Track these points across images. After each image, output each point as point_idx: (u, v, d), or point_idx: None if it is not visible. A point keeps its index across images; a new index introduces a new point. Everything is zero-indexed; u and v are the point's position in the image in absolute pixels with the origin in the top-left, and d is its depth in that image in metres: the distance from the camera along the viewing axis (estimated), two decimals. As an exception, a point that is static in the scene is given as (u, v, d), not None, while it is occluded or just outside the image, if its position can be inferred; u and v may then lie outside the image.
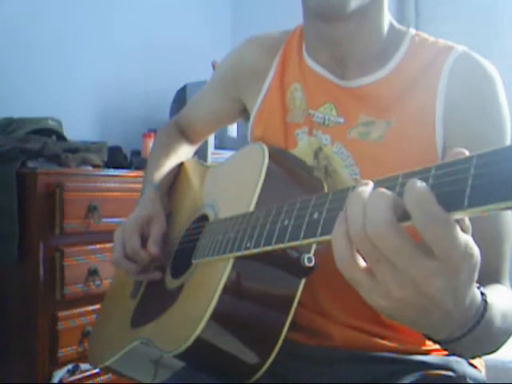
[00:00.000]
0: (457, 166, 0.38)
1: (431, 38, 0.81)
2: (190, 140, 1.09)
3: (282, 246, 0.55)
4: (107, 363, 0.83)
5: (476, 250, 0.41)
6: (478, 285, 0.48)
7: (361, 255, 0.43)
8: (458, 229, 0.39)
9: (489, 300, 0.50)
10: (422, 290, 0.41)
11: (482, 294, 0.49)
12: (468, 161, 0.37)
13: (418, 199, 0.38)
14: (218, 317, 0.63)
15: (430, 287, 0.41)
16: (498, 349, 0.62)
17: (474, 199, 0.36)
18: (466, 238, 0.40)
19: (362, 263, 0.43)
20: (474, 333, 0.49)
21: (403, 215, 0.40)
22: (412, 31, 0.82)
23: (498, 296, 0.57)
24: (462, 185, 0.37)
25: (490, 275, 0.65)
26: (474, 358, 0.76)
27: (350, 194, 0.43)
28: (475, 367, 0.81)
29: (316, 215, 0.50)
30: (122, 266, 0.84)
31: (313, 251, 0.65)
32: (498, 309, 0.54)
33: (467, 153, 0.39)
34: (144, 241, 0.84)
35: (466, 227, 0.42)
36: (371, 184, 0.43)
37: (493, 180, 0.35)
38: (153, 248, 0.82)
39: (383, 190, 0.41)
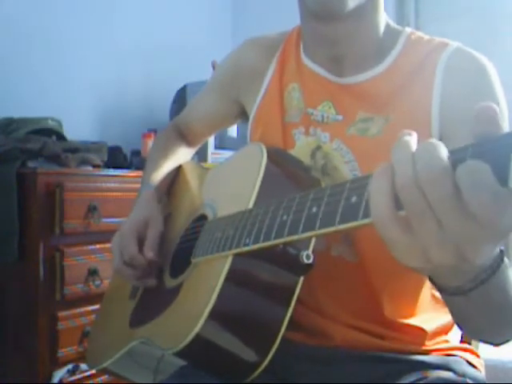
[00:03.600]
0: (453, 156, 0.38)
1: (427, 37, 0.82)
2: (189, 142, 1.09)
3: (281, 240, 0.55)
4: (105, 365, 0.83)
5: None
6: None
7: (402, 207, 0.40)
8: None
9: (506, 259, 0.49)
10: (464, 254, 0.38)
11: (501, 250, 0.48)
12: (464, 150, 0.37)
13: (471, 170, 0.36)
14: (217, 314, 0.63)
15: (475, 253, 0.38)
16: (508, 335, 0.62)
17: None
18: None
19: (401, 220, 0.40)
20: (485, 287, 0.47)
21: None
22: (408, 30, 0.83)
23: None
24: None
25: None
26: (483, 336, 0.68)
27: (396, 143, 0.40)
28: (475, 367, 0.81)
29: (315, 209, 0.50)
30: (122, 273, 0.84)
31: (311, 248, 0.65)
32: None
33: (496, 109, 0.37)
34: (142, 245, 0.84)
35: None
36: (415, 134, 0.41)
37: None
38: (148, 253, 0.82)
39: (434, 140, 0.39)
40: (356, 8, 0.73)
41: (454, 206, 0.37)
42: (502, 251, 0.48)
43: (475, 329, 0.63)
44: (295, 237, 0.52)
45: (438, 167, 0.37)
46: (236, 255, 0.64)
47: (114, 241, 0.86)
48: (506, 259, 0.49)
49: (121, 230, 0.86)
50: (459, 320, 0.61)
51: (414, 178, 0.38)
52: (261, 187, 0.69)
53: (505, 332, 0.62)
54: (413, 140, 0.40)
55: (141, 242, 0.84)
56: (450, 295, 0.50)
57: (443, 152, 0.37)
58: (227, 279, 0.64)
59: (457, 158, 0.38)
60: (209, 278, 0.67)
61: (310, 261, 0.64)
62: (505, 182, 0.34)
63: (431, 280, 0.50)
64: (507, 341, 0.63)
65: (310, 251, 0.64)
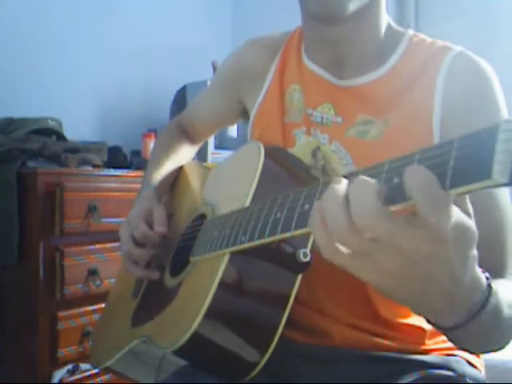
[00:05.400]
0: (439, 150, 0.39)
1: (429, 39, 0.82)
2: (192, 140, 1.10)
3: (275, 237, 0.55)
4: (107, 364, 0.83)
5: (470, 224, 0.41)
6: (482, 269, 0.47)
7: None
8: (452, 205, 0.39)
9: (494, 286, 0.49)
10: (409, 257, 0.41)
11: (487, 278, 0.49)
12: (450, 144, 0.38)
13: (422, 182, 0.38)
14: (214, 312, 0.63)
15: (416, 253, 0.41)
16: (506, 344, 0.62)
17: (456, 180, 0.37)
18: (456, 212, 0.40)
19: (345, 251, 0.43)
20: (479, 319, 0.48)
21: (390, 199, 0.40)
22: (410, 32, 0.82)
23: (505, 287, 0.56)
24: (444, 167, 0.38)
25: (494, 270, 0.64)
26: (483, 352, 0.74)
27: (325, 191, 0.43)
28: (475, 367, 0.81)
29: (307, 206, 0.50)
30: (133, 255, 0.84)
31: (309, 246, 0.65)
32: (506, 299, 0.54)
33: None
34: (150, 229, 0.84)
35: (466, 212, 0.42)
36: (345, 181, 0.43)
37: (474, 160, 0.36)
38: (159, 228, 0.83)
39: (363, 177, 0.41)
40: (357, 10, 0.73)
41: (393, 232, 0.39)
42: (489, 285, 0.49)
43: (474, 349, 0.65)
44: (288, 234, 0.53)
45: (372, 212, 0.39)
46: (233, 253, 0.64)
47: (121, 230, 0.87)
48: (494, 289, 0.49)
49: (127, 220, 0.87)
50: (460, 346, 0.62)
51: (348, 227, 0.40)
52: (258, 185, 0.69)
53: (502, 343, 0.62)
54: (342, 185, 0.42)
55: (149, 226, 0.84)
56: (448, 331, 0.51)
57: (373, 191, 0.40)
58: (224, 277, 0.64)
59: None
60: (206, 277, 0.67)
61: (307, 259, 0.64)
62: (489, 174, 0.35)
63: (428, 321, 0.51)
64: (506, 346, 0.63)
65: (307, 249, 0.64)
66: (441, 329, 0.51)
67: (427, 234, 0.40)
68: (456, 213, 0.39)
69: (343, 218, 0.41)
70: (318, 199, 0.49)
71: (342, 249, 0.43)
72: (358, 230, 0.40)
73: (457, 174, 0.37)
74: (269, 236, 0.56)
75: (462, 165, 0.37)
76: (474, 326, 0.49)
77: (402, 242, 0.40)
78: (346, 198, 0.41)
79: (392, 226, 0.39)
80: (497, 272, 0.68)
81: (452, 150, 0.38)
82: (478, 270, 0.46)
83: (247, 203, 0.68)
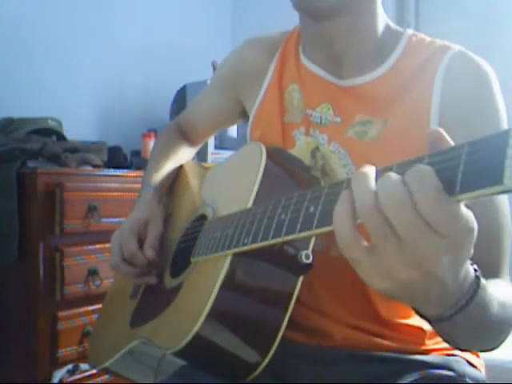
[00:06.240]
0: (449, 154, 0.38)
1: (428, 39, 0.82)
2: (191, 141, 1.10)
3: (278, 239, 0.55)
4: (106, 364, 0.83)
5: (475, 224, 0.40)
6: (470, 261, 0.47)
7: (363, 232, 0.42)
8: (459, 204, 0.39)
9: (483, 281, 0.49)
10: (427, 267, 0.41)
11: (476, 270, 0.49)
12: (460, 148, 0.38)
13: (420, 176, 0.38)
14: (216, 313, 0.63)
15: (436, 264, 0.40)
16: (499, 343, 0.62)
17: (466, 185, 0.37)
18: (466, 213, 0.39)
19: (364, 242, 0.43)
20: (466, 312, 0.48)
21: None
22: (409, 31, 0.82)
23: (497, 286, 0.56)
24: (453, 171, 0.37)
25: (489, 270, 0.64)
26: (475, 350, 0.74)
27: (355, 173, 0.43)
28: (475, 367, 0.81)
29: (312, 209, 0.50)
30: (119, 269, 0.84)
31: (311, 248, 0.65)
32: (496, 296, 0.54)
33: (445, 134, 0.41)
34: (141, 244, 0.85)
35: None
36: (374, 167, 0.43)
37: (484, 166, 0.36)
38: (148, 251, 0.83)
39: (390, 173, 0.41)
40: (343, 3, 0.73)
41: (416, 225, 0.39)
42: (477, 276, 0.49)
43: (466, 346, 0.65)
44: (292, 236, 0.52)
45: (400, 196, 0.39)
46: (235, 255, 0.64)
47: (113, 237, 0.87)
48: (482, 281, 0.49)
49: (121, 228, 0.87)
50: (450, 341, 0.61)
51: (375, 206, 0.40)
52: (260, 186, 0.69)
53: (494, 342, 0.63)
54: (373, 169, 0.43)
55: (140, 242, 0.84)
56: (435, 322, 0.51)
57: (401, 181, 0.40)
58: (226, 279, 0.64)
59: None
60: (208, 278, 0.67)
61: (309, 260, 0.64)
62: (500, 180, 0.34)
63: (416, 311, 0.51)
64: (499, 345, 0.64)
65: (309, 251, 0.64)
66: (428, 320, 0.51)
67: (447, 242, 0.39)
68: (464, 214, 0.39)
69: (373, 198, 0.40)
70: (325, 200, 0.49)
71: (361, 243, 0.43)
72: (384, 213, 0.40)
73: (467, 179, 0.37)
74: (273, 238, 0.56)
75: (473, 169, 0.36)
76: (461, 318, 0.49)
77: (420, 242, 0.40)
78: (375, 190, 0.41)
79: (414, 220, 0.39)
80: (492, 272, 0.68)
81: (462, 154, 0.37)
82: (468, 262, 0.46)
83: (249, 204, 0.68)
